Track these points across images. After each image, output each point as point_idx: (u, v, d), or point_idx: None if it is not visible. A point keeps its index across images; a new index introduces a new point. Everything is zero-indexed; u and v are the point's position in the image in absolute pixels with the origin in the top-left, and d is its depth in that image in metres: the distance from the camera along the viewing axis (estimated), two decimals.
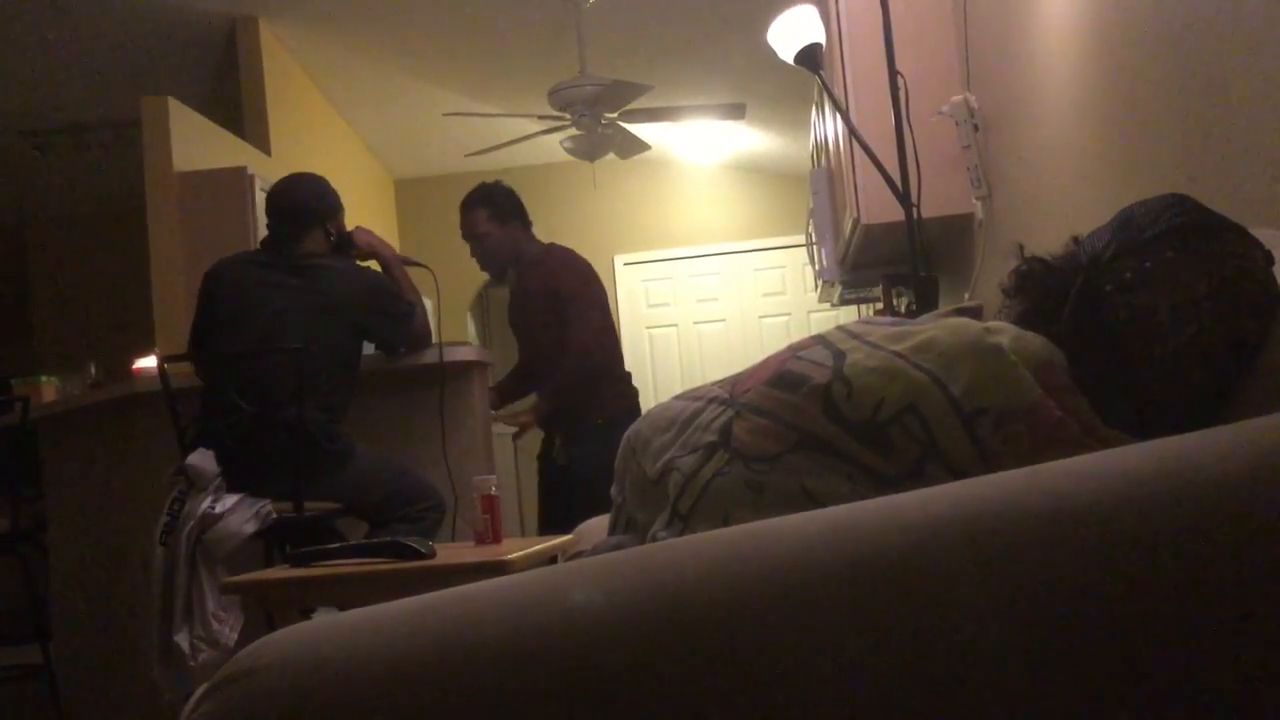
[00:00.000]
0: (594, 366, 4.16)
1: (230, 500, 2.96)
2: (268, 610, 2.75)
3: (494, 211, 4.20)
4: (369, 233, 3.59)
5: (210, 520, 2.91)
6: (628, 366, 4.48)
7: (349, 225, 3.59)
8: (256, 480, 3.02)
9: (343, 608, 1.32)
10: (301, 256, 3.31)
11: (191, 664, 2.79)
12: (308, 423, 3.07)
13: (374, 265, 3.56)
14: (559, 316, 4.15)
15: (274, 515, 3.01)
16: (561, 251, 4.33)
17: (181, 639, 2.85)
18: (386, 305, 3.38)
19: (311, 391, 3.08)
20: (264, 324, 3.18)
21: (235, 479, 3.01)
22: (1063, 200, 2.69)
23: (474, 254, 4.29)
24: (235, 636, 2.85)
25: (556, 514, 4.17)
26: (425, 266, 3.60)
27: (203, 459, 2.98)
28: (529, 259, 4.28)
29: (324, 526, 3.23)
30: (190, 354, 3.36)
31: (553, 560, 2.48)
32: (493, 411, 4.19)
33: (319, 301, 3.21)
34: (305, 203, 3.39)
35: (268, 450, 3.06)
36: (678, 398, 1.33)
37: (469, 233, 4.25)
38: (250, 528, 2.95)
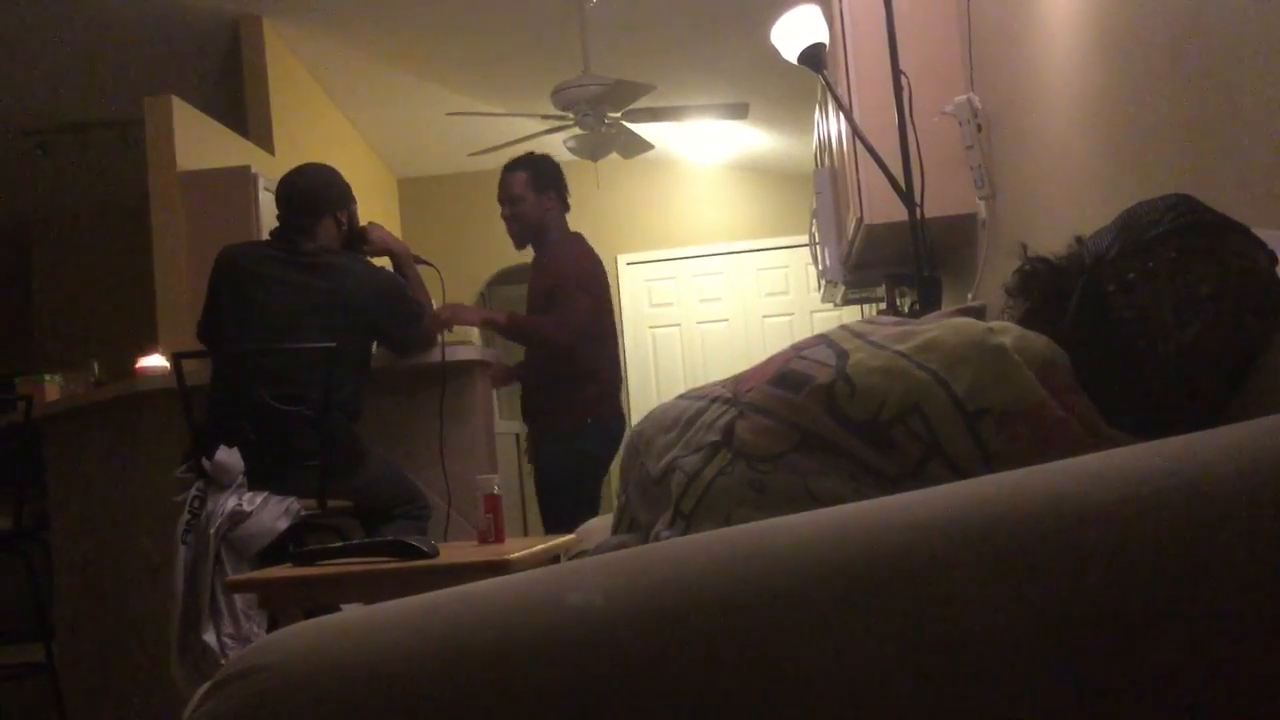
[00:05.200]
0: (573, 342, 4.00)
1: (258, 497, 2.97)
2: (270, 609, 2.75)
3: (533, 176, 4.18)
4: (382, 229, 3.57)
5: (240, 517, 2.91)
6: (630, 366, 4.45)
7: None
8: (280, 478, 3.02)
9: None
10: (315, 252, 3.28)
11: (222, 662, 2.79)
12: (333, 423, 3.07)
13: (385, 261, 3.55)
14: (549, 309, 4.07)
15: (303, 512, 3.02)
16: (574, 246, 4.23)
17: (210, 637, 2.85)
18: (399, 307, 3.36)
19: (333, 391, 3.08)
20: (278, 322, 3.17)
21: (257, 476, 3.01)
22: (1066, 200, 2.68)
23: (504, 216, 4.24)
24: (264, 633, 2.85)
25: (541, 513, 4.16)
26: (433, 265, 3.60)
27: (227, 455, 2.97)
28: (549, 241, 4.21)
29: (328, 525, 3.24)
30: (212, 343, 3.32)
31: (556, 560, 2.49)
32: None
33: (334, 301, 3.19)
34: (315, 192, 3.36)
35: (295, 448, 3.05)
36: (681, 397, 1.33)
37: (505, 194, 4.21)
38: (282, 524, 2.96)
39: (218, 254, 3.35)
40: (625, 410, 4.43)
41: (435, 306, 3.76)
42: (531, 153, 4.31)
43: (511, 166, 4.24)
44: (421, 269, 3.59)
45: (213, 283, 3.33)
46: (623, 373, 4.70)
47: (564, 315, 4.01)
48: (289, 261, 3.25)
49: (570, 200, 4.30)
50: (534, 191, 4.17)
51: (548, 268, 4.17)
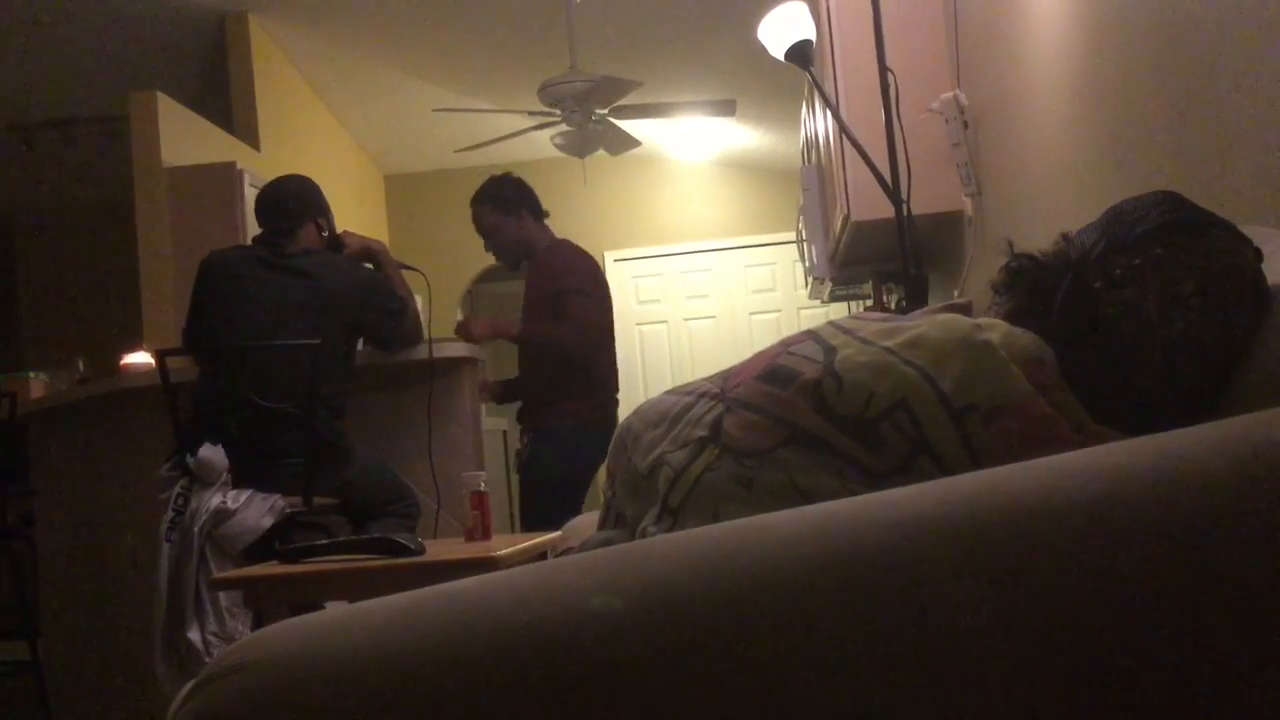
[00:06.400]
0: (582, 349, 4.08)
1: (243, 495, 2.96)
2: (256, 607, 2.74)
3: (498, 204, 4.22)
4: (357, 235, 3.60)
5: (224, 515, 2.91)
6: (618, 362, 4.45)
7: (337, 225, 3.59)
8: (265, 475, 3.02)
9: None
10: (297, 253, 3.30)
11: (206, 660, 2.78)
12: (317, 420, 3.06)
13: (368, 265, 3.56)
14: (556, 315, 4.10)
15: (288, 509, 3.01)
16: (567, 249, 4.28)
17: (194, 635, 2.85)
18: (383, 301, 3.38)
19: (317, 388, 3.07)
20: (262, 319, 3.17)
21: (242, 473, 3.01)
22: (1052, 197, 2.69)
23: (487, 248, 4.32)
24: (249, 631, 2.84)
25: (524, 512, 4.16)
26: (418, 270, 3.62)
27: (212, 453, 2.97)
28: (540, 251, 4.26)
29: (315, 523, 3.23)
30: (197, 346, 3.32)
31: (543, 557, 2.48)
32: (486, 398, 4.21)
33: (317, 299, 3.20)
34: (296, 197, 3.40)
35: (279, 445, 3.05)
36: (669, 393, 1.33)
37: (478, 228, 4.28)
38: (267, 521, 2.96)
39: (201, 261, 3.37)
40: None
41: (464, 320, 3.91)
42: (491, 176, 4.34)
43: (475, 200, 4.29)
44: (407, 273, 3.61)
45: (197, 289, 3.34)
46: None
47: (577, 321, 4.06)
48: (272, 262, 3.27)
49: (547, 205, 4.35)
50: (503, 216, 4.22)
51: (545, 272, 4.20)
